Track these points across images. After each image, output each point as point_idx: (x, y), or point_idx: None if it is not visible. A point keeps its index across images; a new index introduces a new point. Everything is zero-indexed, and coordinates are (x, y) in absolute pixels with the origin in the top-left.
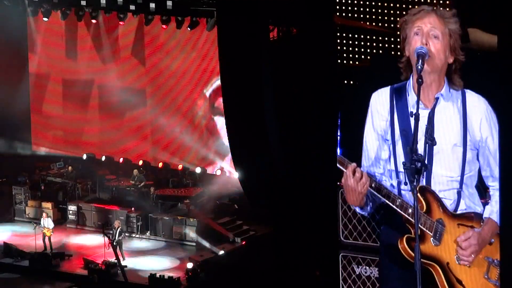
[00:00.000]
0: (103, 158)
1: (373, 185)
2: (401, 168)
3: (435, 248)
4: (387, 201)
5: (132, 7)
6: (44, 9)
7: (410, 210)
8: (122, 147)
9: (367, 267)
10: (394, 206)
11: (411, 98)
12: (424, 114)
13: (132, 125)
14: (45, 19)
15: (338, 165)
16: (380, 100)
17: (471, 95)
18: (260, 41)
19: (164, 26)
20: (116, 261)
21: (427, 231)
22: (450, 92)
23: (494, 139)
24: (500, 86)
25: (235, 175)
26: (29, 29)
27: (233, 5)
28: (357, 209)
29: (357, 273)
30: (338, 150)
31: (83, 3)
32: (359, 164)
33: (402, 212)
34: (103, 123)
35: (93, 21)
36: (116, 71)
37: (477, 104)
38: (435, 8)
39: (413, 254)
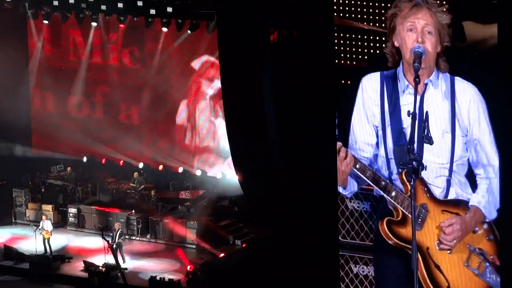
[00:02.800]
0: (104, 161)
1: (357, 166)
2: (391, 156)
3: (416, 233)
4: (370, 183)
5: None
6: (44, 11)
7: (393, 193)
8: (122, 150)
9: (365, 266)
10: (377, 188)
11: (402, 84)
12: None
13: (132, 128)
14: (46, 21)
15: None
16: (370, 84)
17: (459, 82)
18: (260, 43)
19: (164, 29)
20: (116, 263)
21: (409, 215)
22: (438, 78)
23: (481, 125)
24: (498, 80)
25: (235, 177)
26: (29, 31)
27: (233, 8)
28: (340, 189)
29: (355, 272)
30: None
31: (83, 5)
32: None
33: (385, 195)
34: (104, 126)
35: (93, 24)
36: (117, 73)
37: (466, 90)
38: (425, 1)
39: (391, 236)
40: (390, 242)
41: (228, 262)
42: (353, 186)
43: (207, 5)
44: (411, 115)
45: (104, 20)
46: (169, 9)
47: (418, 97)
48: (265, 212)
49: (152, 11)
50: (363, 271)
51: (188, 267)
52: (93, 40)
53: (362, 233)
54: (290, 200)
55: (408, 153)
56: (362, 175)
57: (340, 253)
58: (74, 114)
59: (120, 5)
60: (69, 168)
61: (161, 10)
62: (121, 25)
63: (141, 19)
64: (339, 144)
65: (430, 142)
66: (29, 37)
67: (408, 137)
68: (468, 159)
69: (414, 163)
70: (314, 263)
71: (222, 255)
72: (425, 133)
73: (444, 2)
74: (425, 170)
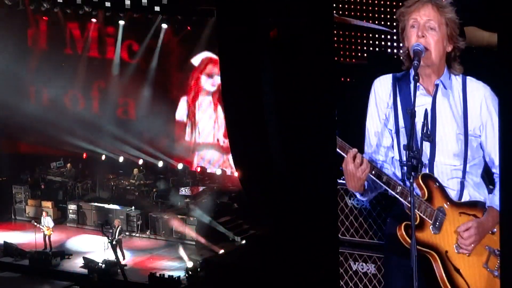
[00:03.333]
0: (103, 157)
1: (373, 171)
2: (405, 158)
3: (434, 236)
4: (387, 188)
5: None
6: (44, 8)
7: (410, 198)
8: (120, 146)
9: (364, 264)
10: (394, 193)
11: (413, 85)
12: (427, 101)
13: (129, 123)
14: (45, 18)
15: (338, 150)
16: (383, 87)
17: (471, 81)
18: (260, 40)
19: (164, 25)
20: (116, 260)
21: (426, 219)
22: (450, 79)
23: (494, 124)
24: (501, 79)
25: (235, 174)
26: (30, 27)
27: (233, 5)
28: (358, 195)
29: (354, 269)
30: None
31: (79, 1)
32: (360, 151)
33: (402, 199)
34: (100, 121)
35: (93, 20)
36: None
37: (477, 89)
38: None
39: (410, 241)
40: (408, 246)
41: (228, 259)
42: (370, 192)
43: (207, 1)
44: (410, 113)
45: (103, 16)
46: (169, 6)
47: (430, 98)
48: (265, 209)
49: (155, 8)
50: (362, 268)
51: (188, 264)
52: (91, 33)
53: (362, 231)
54: (289, 197)
55: (408, 151)
56: (378, 181)
57: (339, 250)
58: (70, 109)
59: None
60: (68, 165)
61: (161, 7)
62: (121, 22)
63: (141, 14)
64: (354, 150)
65: (429, 140)
66: (29, 33)
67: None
68: (485, 159)
69: (413, 160)
70: (313, 260)
71: (222, 251)
72: (425, 131)
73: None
74: (425, 168)
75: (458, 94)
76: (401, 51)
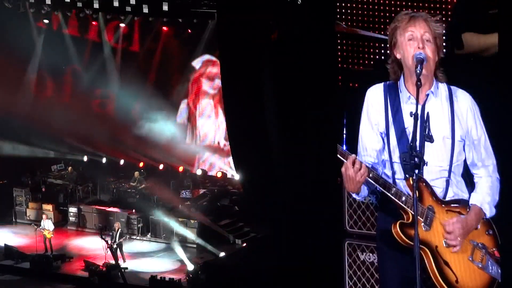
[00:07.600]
0: (104, 160)
1: (370, 175)
2: (395, 159)
3: (426, 233)
4: (383, 190)
5: (129, 9)
6: (45, 11)
7: (403, 198)
8: (123, 148)
9: (371, 254)
10: (389, 195)
11: (404, 95)
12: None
13: (132, 126)
14: (46, 21)
15: (338, 156)
16: (375, 95)
17: (456, 90)
18: (261, 42)
19: (164, 28)
20: (116, 263)
21: (418, 217)
22: (438, 88)
23: (478, 129)
24: (496, 86)
25: (236, 176)
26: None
27: (234, 6)
28: (354, 195)
29: (361, 259)
30: (344, 146)
31: (79, 4)
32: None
33: (396, 200)
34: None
35: (93, 22)
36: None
37: (463, 98)
38: (421, 13)
39: (405, 238)
40: (403, 243)
41: (229, 262)
42: (364, 191)
43: (207, 4)
44: (413, 116)
45: (104, 19)
46: (170, 9)
47: (420, 105)
48: (266, 211)
49: (153, 11)
50: (369, 258)
51: (189, 267)
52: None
53: (369, 224)
54: (290, 200)
55: (411, 151)
56: (375, 183)
57: (348, 241)
58: (35, 96)
59: (118, 4)
60: (69, 168)
61: (161, 10)
62: (122, 25)
63: (141, 18)
64: (353, 156)
65: (431, 140)
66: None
67: (410, 137)
68: (465, 161)
69: (416, 159)
70: (315, 262)
71: (222, 254)
72: (426, 132)
73: (438, 12)
74: (426, 165)
75: (445, 101)
76: (389, 64)
